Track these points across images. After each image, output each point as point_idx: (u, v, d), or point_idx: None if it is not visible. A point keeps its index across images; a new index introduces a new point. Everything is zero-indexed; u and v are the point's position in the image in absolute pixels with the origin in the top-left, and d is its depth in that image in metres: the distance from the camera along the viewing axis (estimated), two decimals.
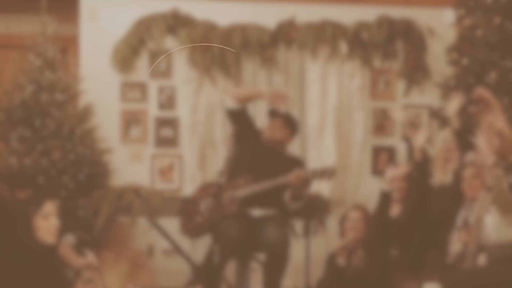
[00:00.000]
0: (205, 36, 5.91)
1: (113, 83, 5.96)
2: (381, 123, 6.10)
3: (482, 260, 3.87)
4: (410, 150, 4.99)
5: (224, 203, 4.72)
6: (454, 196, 4.42)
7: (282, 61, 6.02)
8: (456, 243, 4.24)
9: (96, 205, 5.14)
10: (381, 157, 6.04)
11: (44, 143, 5.21)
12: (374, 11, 6.04)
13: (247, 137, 4.95)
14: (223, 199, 4.73)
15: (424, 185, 4.68)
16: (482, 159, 4.03)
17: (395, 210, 4.84)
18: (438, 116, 5.34)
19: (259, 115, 5.80)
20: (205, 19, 5.98)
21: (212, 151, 5.96)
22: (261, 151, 4.86)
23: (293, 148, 5.44)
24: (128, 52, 5.93)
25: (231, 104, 4.92)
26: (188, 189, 5.65)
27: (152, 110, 6.01)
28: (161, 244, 5.77)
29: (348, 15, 6.03)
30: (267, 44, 5.94)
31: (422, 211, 4.62)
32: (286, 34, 5.99)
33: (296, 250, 5.16)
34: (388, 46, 6.05)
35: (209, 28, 5.96)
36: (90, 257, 4.06)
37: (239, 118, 4.95)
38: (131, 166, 5.92)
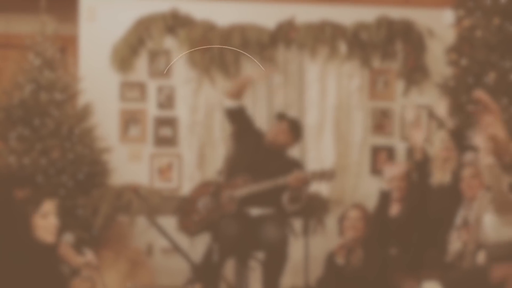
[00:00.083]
0: (204, 36, 5.92)
1: (112, 83, 5.96)
2: (380, 123, 6.11)
3: (481, 259, 3.87)
4: (410, 150, 5.00)
5: (222, 202, 4.72)
6: (453, 195, 4.43)
7: (282, 61, 6.02)
8: (455, 242, 4.25)
9: (95, 204, 5.13)
10: (380, 157, 6.05)
11: (43, 142, 5.21)
12: (374, 11, 6.05)
13: (246, 137, 4.96)
14: (222, 198, 4.73)
15: (424, 184, 4.69)
16: (480, 158, 4.04)
17: (394, 209, 4.84)
18: (435, 116, 5.34)
19: (259, 115, 5.81)
20: (204, 19, 5.98)
21: (211, 150, 5.96)
22: (260, 151, 4.86)
23: (293, 148, 5.44)
24: (127, 52, 5.93)
25: (229, 102, 4.93)
26: (187, 188, 5.65)
27: (151, 109, 6.01)
28: (160, 243, 5.77)
29: (347, 16, 6.04)
30: (266, 44, 5.95)
31: (421, 210, 4.63)
32: (285, 34, 5.99)
33: (295, 249, 5.17)
34: (387, 46, 6.06)
35: (209, 28, 5.96)
36: (89, 256, 4.04)
37: (238, 117, 4.96)
38: (130, 165, 5.93)
